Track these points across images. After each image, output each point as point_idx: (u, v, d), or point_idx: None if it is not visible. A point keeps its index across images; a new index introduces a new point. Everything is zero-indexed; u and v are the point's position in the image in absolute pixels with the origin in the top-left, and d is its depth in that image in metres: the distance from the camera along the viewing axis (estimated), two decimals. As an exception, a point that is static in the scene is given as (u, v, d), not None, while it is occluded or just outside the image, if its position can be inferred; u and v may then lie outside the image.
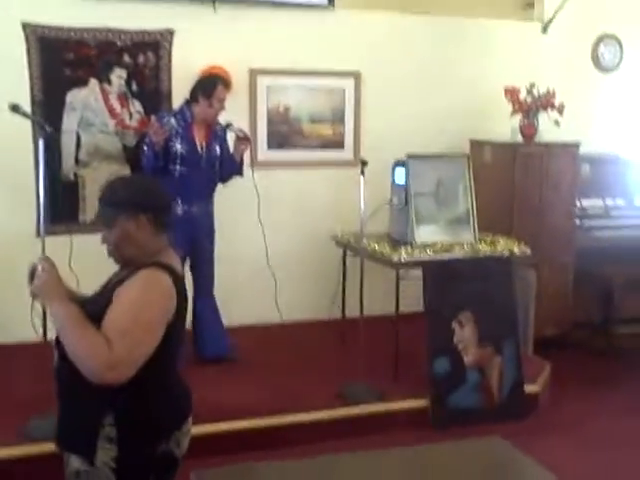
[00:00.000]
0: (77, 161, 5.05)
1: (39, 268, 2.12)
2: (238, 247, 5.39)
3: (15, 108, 3.51)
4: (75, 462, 2.16)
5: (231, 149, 4.69)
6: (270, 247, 5.33)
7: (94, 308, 2.11)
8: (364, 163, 4.46)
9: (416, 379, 4.39)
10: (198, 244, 4.62)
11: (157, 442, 2.18)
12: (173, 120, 4.45)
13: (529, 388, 4.57)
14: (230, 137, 4.69)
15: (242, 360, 4.77)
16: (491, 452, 2.78)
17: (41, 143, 3.49)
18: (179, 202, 4.46)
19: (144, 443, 2.16)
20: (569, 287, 5.64)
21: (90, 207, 5.01)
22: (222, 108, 4.55)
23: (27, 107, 4.79)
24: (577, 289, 5.70)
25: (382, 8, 5.73)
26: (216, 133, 4.60)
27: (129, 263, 2.21)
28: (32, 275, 2.14)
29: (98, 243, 2.27)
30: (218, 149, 4.59)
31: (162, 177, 4.40)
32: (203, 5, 5.22)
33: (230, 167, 4.63)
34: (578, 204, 5.85)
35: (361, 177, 4.43)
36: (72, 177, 5.00)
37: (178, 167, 4.43)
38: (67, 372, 2.06)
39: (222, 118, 4.69)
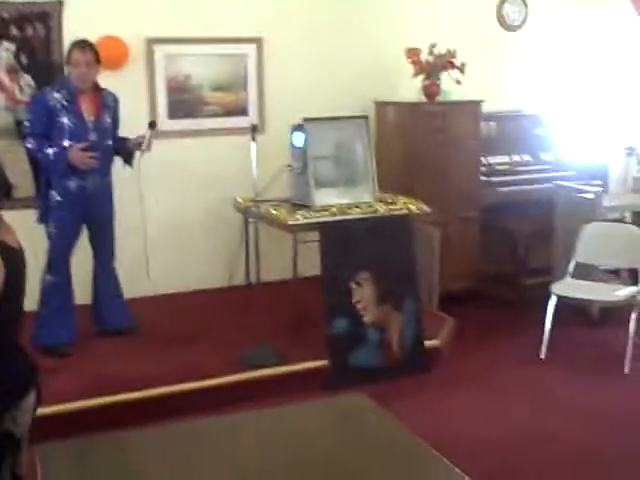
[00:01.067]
0: (-34, 138, 4.93)
1: None
2: (133, 219, 5.27)
3: None
4: None
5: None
6: (175, 215, 5.52)
7: None
8: (254, 128, 4.44)
9: (317, 341, 4.42)
10: (95, 217, 4.56)
11: None
12: (57, 94, 4.34)
13: (430, 343, 4.65)
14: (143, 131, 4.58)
15: (142, 331, 4.75)
16: (352, 410, 2.83)
17: None
18: (72, 177, 4.39)
19: None
20: (476, 242, 5.74)
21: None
22: (87, 71, 4.36)
23: None
24: (486, 244, 5.81)
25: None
26: (105, 103, 4.50)
27: None
28: None
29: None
30: (109, 120, 4.51)
31: (52, 152, 4.34)
32: (94, -26, 5.12)
33: (121, 149, 4.58)
34: (484, 161, 5.93)
35: (253, 143, 4.42)
36: (-38, 155, 4.87)
37: (67, 142, 4.33)
38: None
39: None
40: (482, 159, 5.87)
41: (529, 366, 4.71)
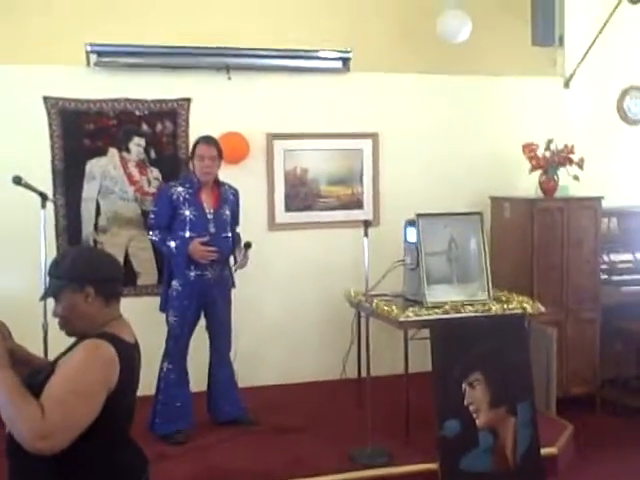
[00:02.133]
0: (96, 228, 5.20)
1: None
2: (249, 310, 5.42)
3: (17, 180, 3.66)
4: None
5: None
6: (289, 306, 5.65)
7: (39, 377, 2.13)
8: (367, 224, 4.47)
9: (427, 441, 4.29)
10: (213, 309, 4.65)
11: None
12: (180, 188, 4.55)
13: (547, 451, 4.42)
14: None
15: (254, 422, 4.76)
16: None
17: (42, 213, 3.61)
18: (192, 267, 4.53)
19: None
20: (596, 344, 5.48)
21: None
22: (210, 164, 4.54)
23: (48, 177, 5.04)
24: (607, 346, 5.54)
25: (398, 70, 5.80)
26: (225, 197, 4.67)
27: (80, 335, 2.23)
28: None
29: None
30: (227, 213, 4.66)
31: (174, 245, 4.51)
32: (218, 73, 5.39)
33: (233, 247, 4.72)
34: (606, 259, 5.73)
35: (365, 238, 4.42)
36: (92, 243, 5.14)
37: (188, 233, 4.50)
38: (16, 442, 2.04)
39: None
40: (603, 257, 5.68)
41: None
